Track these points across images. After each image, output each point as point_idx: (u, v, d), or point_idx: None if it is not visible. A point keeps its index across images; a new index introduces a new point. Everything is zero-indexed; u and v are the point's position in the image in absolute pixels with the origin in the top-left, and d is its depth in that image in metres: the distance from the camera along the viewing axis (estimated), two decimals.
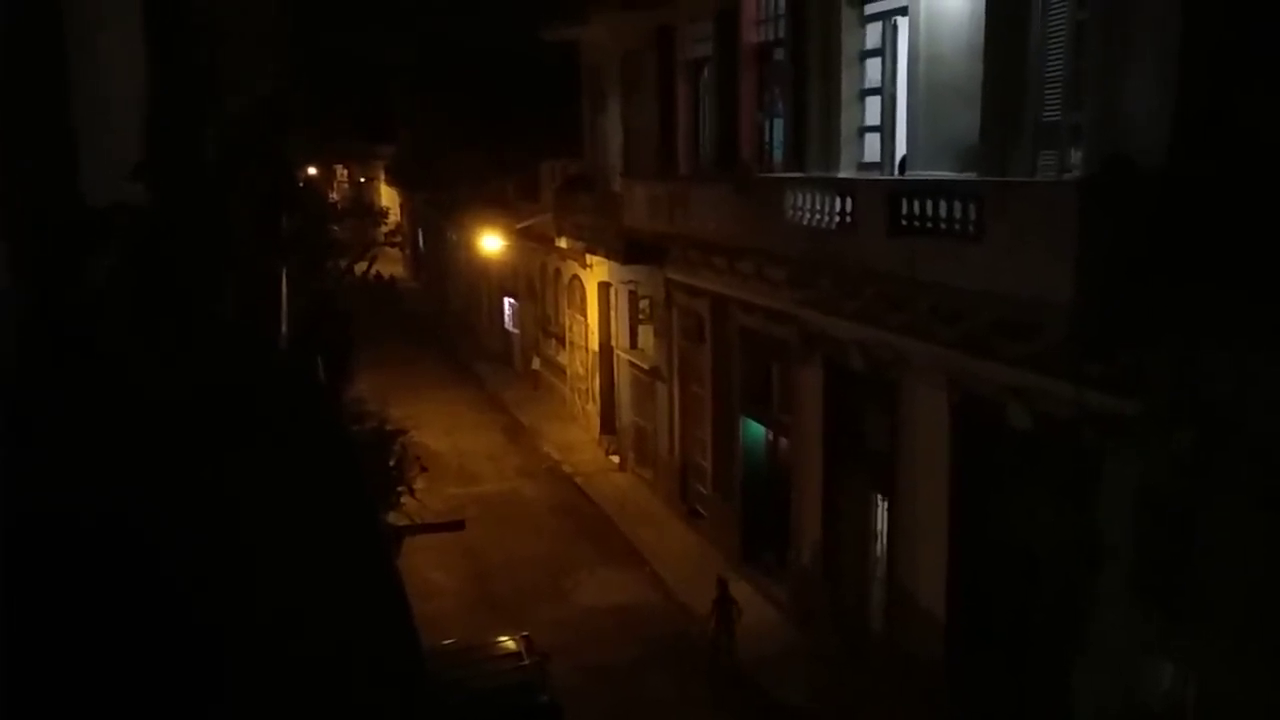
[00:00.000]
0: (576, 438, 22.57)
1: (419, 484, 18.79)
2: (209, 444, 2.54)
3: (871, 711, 11.20)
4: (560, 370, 25.04)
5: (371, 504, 2.96)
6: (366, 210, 21.41)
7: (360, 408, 9.29)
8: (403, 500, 9.86)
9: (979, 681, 10.15)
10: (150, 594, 2.26)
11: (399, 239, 46.61)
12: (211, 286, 3.37)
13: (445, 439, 22.40)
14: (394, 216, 50.42)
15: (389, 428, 9.85)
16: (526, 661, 10.62)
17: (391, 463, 9.77)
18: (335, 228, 12.80)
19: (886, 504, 11.66)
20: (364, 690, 2.49)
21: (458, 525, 12.04)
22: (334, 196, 32.02)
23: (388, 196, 51.17)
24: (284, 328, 4.37)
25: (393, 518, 10.34)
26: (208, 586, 2.34)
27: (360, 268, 12.76)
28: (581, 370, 23.32)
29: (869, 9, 11.85)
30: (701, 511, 17.07)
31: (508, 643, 11.08)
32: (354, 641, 2.52)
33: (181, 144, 3.58)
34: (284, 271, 4.68)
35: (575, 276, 23.24)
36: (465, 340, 33.07)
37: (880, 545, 11.94)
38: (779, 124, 13.99)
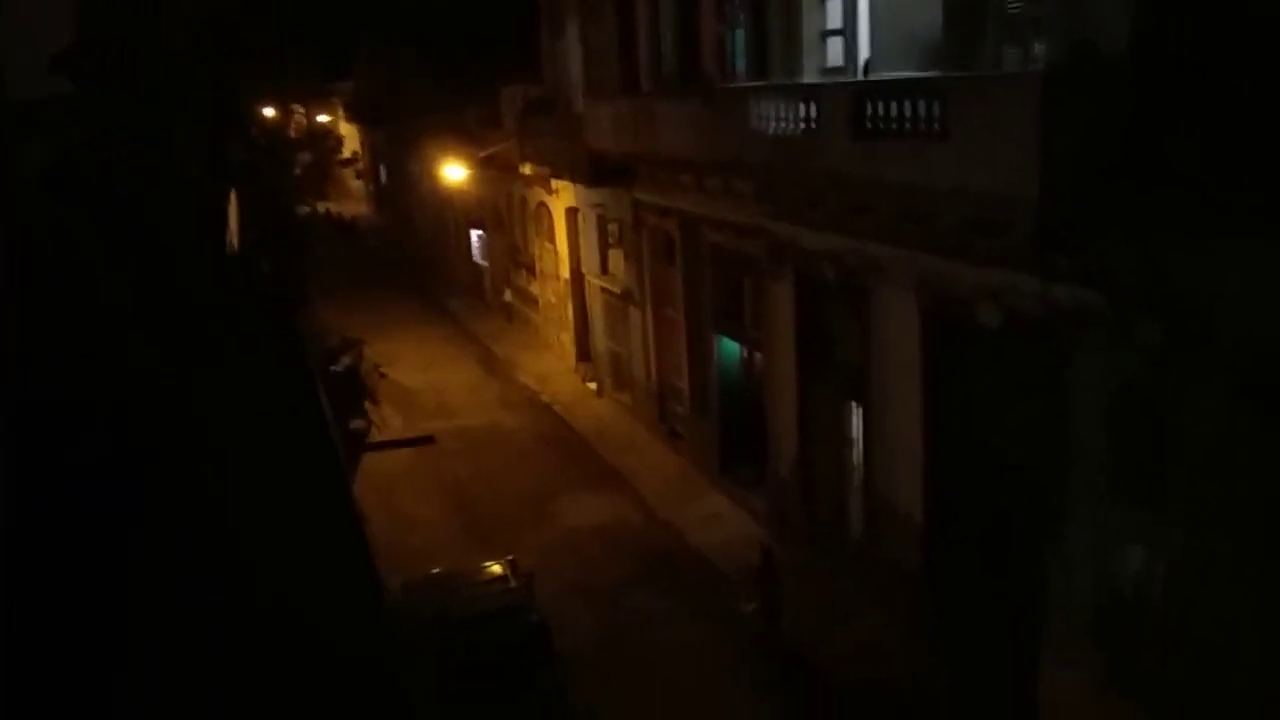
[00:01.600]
0: (553, 367, 22.55)
1: (396, 420, 18.86)
2: (154, 343, 2.50)
3: (854, 617, 11.42)
4: (532, 300, 24.89)
5: (318, 403, 2.94)
6: (321, 136, 21.00)
7: (320, 325, 9.33)
8: (367, 407, 9.98)
9: (958, 583, 10.34)
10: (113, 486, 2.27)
11: (359, 164, 45.81)
12: (149, 186, 3.28)
13: (421, 375, 22.34)
14: (354, 149, 49.43)
15: (348, 340, 9.93)
16: (513, 584, 10.73)
17: (349, 364, 9.85)
18: (294, 159, 12.58)
19: (861, 411, 11.74)
20: (314, 601, 2.49)
21: (427, 440, 12.20)
22: (292, 134, 31.27)
23: (349, 135, 50.12)
24: (235, 243, 4.29)
25: (364, 434, 10.45)
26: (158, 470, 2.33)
27: (322, 207, 12.60)
28: (554, 299, 23.19)
29: None
30: (680, 432, 17.16)
31: (494, 567, 11.18)
32: (306, 546, 2.52)
33: (115, 43, 3.45)
34: (232, 193, 4.58)
35: (542, 203, 22.95)
36: (434, 276, 32.77)
37: (856, 453, 12.05)
38: (740, 35, 13.73)
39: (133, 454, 2.48)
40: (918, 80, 9.16)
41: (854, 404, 11.97)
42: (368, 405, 11.13)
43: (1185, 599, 7.66)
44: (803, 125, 10.41)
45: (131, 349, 2.66)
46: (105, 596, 2.30)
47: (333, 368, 10.73)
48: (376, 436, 12.62)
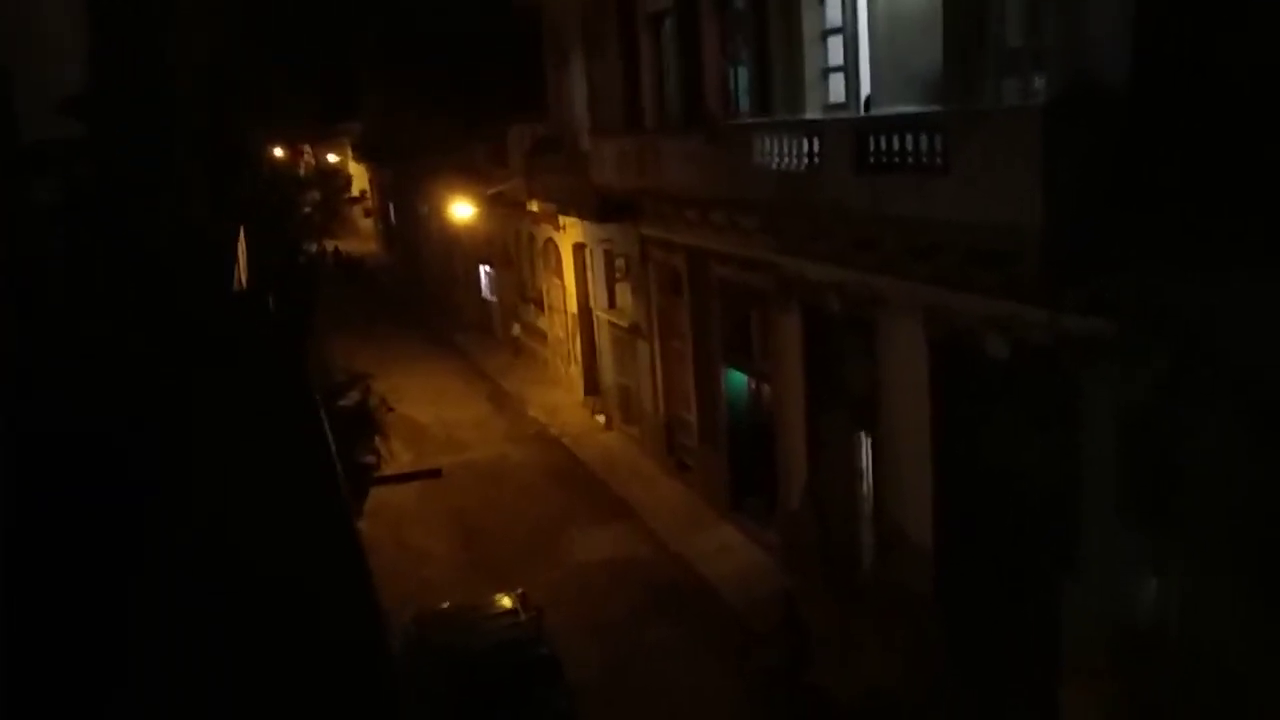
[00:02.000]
0: (561, 401, 22.60)
1: (405, 455, 18.90)
2: (160, 370, 2.58)
3: (866, 648, 11.35)
4: (541, 335, 25.00)
5: (322, 431, 3.00)
6: (329, 175, 21.33)
7: (328, 362, 9.51)
8: (375, 441, 10.11)
9: (970, 610, 10.30)
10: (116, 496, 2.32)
11: (367, 202, 46.11)
12: (156, 223, 3.39)
13: (430, 410, 22.42)
14: (362, 188, 49.87)
15: (356, 374, 10.09)
16: (522, 618, 10.71)
17: (358, 399, 9.97)
18: (302, 198, 12.79)
19: (870, 442, 11.76)
20: (315, 617, 2.54)
21: (434, 473, 12.25)
22: (300, 173, 31.73)
23: (357, 174, 50.67)
24: (242, 280, 4.39)
25: (373, 468, 10.55)
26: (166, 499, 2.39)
27: (330, 245, 12.83)
28: (562, 334, 23.29)
29: None
30: (689, 464, 17.17)
31: (503, 600, 11.16)
32: (306, 566, 2.57)
33: (123, 85, 3.57)
34: (240, 230, 4.69)
35: (549, 240, 23.13)
36: (444, 312, 32.94)
37: (866, 483, 12.05)
38: (743, 72, 13.92)
39: (131, 486, 2.53)
40: (919, 115, 9.28)
41: (863, 434, 11.99)
42: (376, 440, 11.21)
43: (1201, 626, 7.62)
44: (806, 160, 10.53)
45: (135, 376, 2.73)
46: (104, 599, 2.34)
47: (341, 402, 10.82)
48: (385, 470, 12.69)
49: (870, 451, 11.81)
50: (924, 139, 8.63)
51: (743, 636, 11.88)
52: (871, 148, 9.33)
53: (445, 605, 11.56)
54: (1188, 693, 7.77)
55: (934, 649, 10.56)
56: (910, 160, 8.83)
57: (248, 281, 4.52)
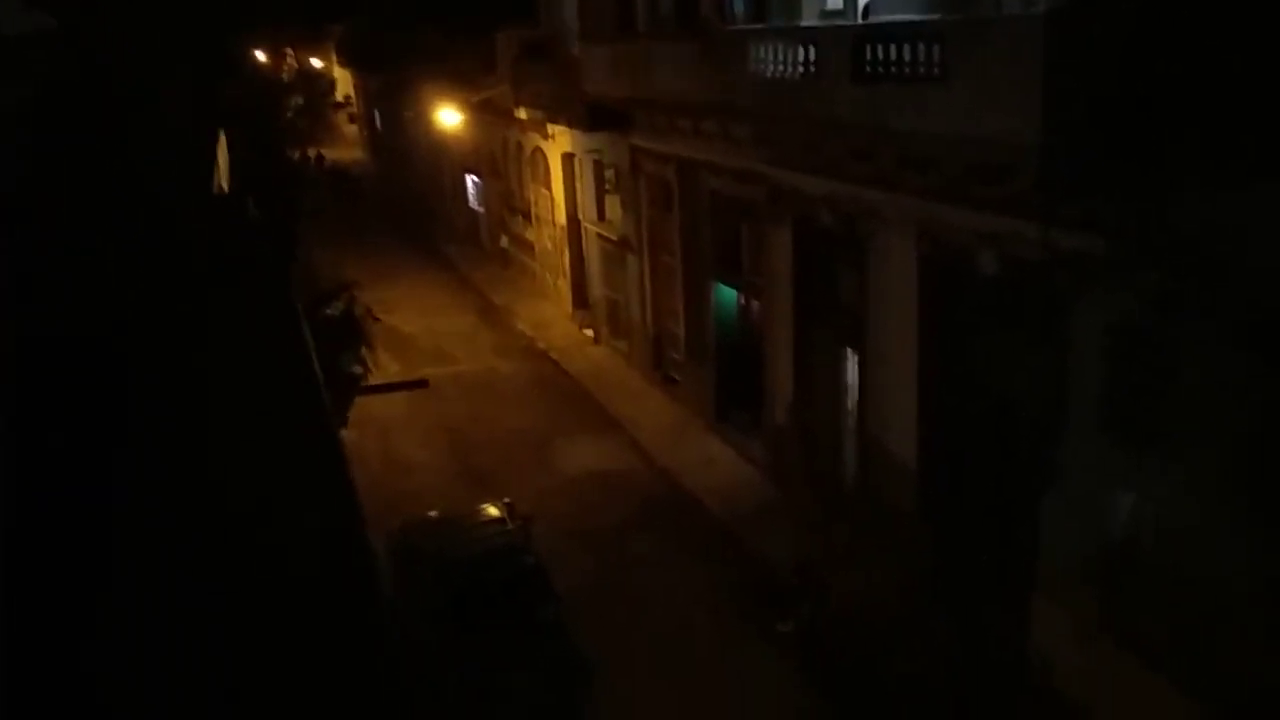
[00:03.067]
0: (550, 314, 22.53)
1: (393, 366, 18.87)
2: (137, 280, 2.51)
3: (850, 561, 11.55)
4: (529, 247, 24.77)
5: (301, 340, 2.94)
6: (313, 79, 20.85)
7: (314, 270, 9.42)
8: (362, 351, 10.09)
9: (952, 524, 10.46)
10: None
11: (352, 107, 45.11)
12: (131, 124, 3.26)
13: (418, 321, 22.34)
14: (347, 93, 48.76)
15: (341, 283, 10.02)
16: (510, 526, 10.82)
17: (343, 308, 9.93)
18: (285, 102, 12.49)
19: (857, 358, 11.77)
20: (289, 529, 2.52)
21: (421, 383, 12.26)
22: (284, 77, 31.01)
23: (341, 79, 49.51)
24: (223, 184, 4.27)
25: (359, 378, 10.54)
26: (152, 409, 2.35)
27: (314, 151, 12.59)
28: (550, 246, 23.08)
29: None
30: (676, 378, 17.22)
31: (490, 510, 11.26)
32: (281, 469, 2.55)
33: None
34: (220, 132, 4.54)
35: (538, 149, 22.73)
36: (431, 222, 32.56)
37: (852, 398, 12.11)
38: None
39: (113, 388, 2.50)
40: (918, 23, 9.03)
41: (850, 350, 12.00)
42: (363, 350, 11.18)
43: (1177, 543, 7.76)
44: (801, 69, 10.29)
45: (110, 281, 2.67)
46: (86, 519, 2.33)
47: (326, 311, 10.74)
48: (371, 380, 12.68)
49: (857, 367, 11.83)
50: (923, 48, 8.42)
51: (766, 599, 11.21)
52: (869, 57, 9.11)
53: (432, 514, 11.66)
54: (1159, 606, 7.95)
55: (915, 562, 10.75)
56: (908, 70, 8.63)
57: (229, 186, 4.41)
